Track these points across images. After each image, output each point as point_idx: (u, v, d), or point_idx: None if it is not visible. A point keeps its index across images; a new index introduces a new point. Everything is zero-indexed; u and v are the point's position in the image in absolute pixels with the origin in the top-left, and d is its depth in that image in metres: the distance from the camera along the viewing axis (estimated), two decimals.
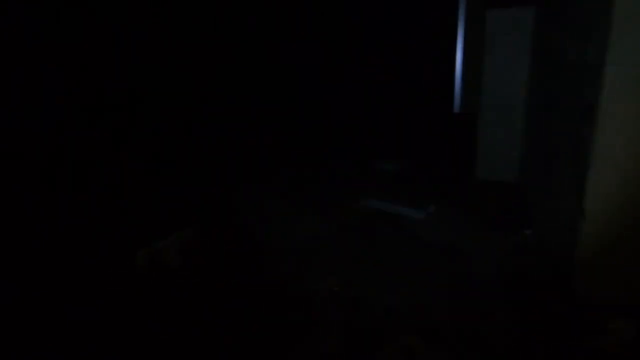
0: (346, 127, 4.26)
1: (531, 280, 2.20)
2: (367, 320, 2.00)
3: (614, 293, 1.92)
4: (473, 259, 2.44)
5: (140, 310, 2.11)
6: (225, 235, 2.83)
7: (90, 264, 2.47)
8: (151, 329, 1.98)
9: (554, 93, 2.47)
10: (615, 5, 1.62)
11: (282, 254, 2.62)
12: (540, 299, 2.03)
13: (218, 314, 2.08)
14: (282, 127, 4.50)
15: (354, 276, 2.35)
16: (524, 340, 1.82)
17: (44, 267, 2.43)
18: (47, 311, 2.06)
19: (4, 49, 2.80)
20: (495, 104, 3.34)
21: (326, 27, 4.25)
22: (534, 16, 3.08)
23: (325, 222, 2.97)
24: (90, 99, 3.30)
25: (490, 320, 1.96)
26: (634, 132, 1.72)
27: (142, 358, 1.81)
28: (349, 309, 2.09)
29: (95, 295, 2.21)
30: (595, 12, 1.81)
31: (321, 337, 1.89)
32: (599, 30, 1.75)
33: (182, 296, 2.22)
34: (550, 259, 2.30)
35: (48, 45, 3.00)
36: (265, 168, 4.13)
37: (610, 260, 1.89)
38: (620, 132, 1.74)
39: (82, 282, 2.31)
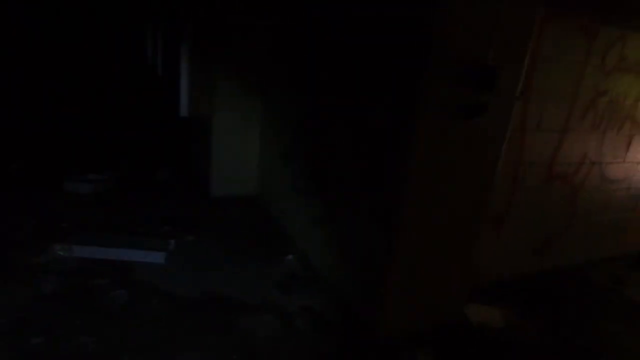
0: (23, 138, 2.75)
1: (331, 325, 1.99)
2: None
3: (412, 324, 1.97)
4: (251, 310, 2.01)
5: None
6: None
7: None
8: None
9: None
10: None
11: None
12: (347, 346, 1.88)
13: None
14: None
15: None
16: None
17: None
18: None
19: None
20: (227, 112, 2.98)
21: None
22: None
23: (15, 292, 1.83)
24: None
25: None
26: None
27: None
28: None
29: None
30: None
31: None
32: None
33: None
34: (335, 294, 2.19)
35: None
36: None
37: (409, 294, 1.91)
38: None
39: None
